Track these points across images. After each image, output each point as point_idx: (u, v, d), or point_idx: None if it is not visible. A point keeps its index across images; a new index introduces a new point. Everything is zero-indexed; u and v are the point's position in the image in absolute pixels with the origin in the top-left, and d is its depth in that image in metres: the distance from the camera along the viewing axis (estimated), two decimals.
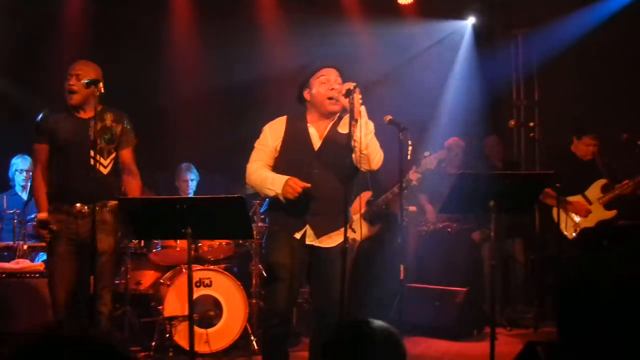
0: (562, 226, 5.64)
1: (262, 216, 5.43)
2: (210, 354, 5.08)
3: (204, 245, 5.53)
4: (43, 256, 5.23)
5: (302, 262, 3.79)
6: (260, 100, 7.11)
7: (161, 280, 5.45)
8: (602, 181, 5.86)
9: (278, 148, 3.82)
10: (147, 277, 5.74)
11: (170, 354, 5.09)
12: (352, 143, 3.57)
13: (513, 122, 6.47)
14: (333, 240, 3.79)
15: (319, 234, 3.77)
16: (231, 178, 6.26)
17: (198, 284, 5.11)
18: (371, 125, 3.70)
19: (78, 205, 4.14)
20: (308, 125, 3.83)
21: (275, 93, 6.97)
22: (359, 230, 5.05)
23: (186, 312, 4.89)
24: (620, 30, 6.91)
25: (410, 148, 4.38)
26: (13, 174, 6.15)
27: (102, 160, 4.15)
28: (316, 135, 3.82)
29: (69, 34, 6.87)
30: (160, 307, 5.13)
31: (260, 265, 5.47)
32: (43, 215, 4.15)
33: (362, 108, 3.63)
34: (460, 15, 7.71)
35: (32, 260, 5.33)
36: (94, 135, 4.00)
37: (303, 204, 3.68)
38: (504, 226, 5.97)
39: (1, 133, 6.36)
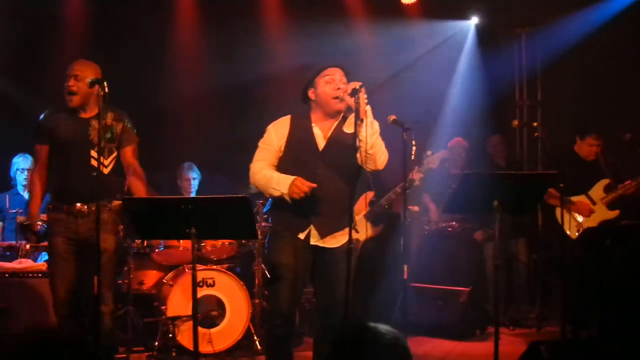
0: (565, 226, 5.63)
1: (265, 216, 5.43)
2: (213, 354, 5.08)
3: (207, 245, 5.52)
4: (45, 256, 5.21)
5: (306, 262, 3.78)
6: (261, 100, 7.11)
7: (164, 280, 5.44)
8: (605, 181, 5.85)
9: (282, 148, 3.81)
10: (150, 277, 5.74)
11: (173, 354, 5.08)
12: (358, 143, 3.56)
13: (516, 122, 6.48)
14: (337, 240, 3.78)
15: (323, 235, 3.76)
16: (232, 178, 6.26)
17: (201, 284, 5.09)
18: (377, 125, 3.68)
19: (78, 204, 4.14)
20: (312, 125, 3.81)
21: (277, 93, 6.98)
22: (362, 230, 5.05)
23: (189, 312, 4.91)
24: (623, 30, 6.91)
25: (414, 148, 4.37)
26: (14, 173, 6.14)
27: (102, 159, 4.14)
28: (320, 135, 3.80)
29: (69, 34, 6.86)
30: (163, 307, 5.12)
31: (263, 265, 5.46)
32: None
33: (368, 107, 3.62)
34: (463, 15, 7.72)
35: (35, 260, 5.32)
36: (99, 133, 3.99)
37: (307, 204, 3.66)
38: (507, 226, 5.97)
39: (1, 133, 6.35)
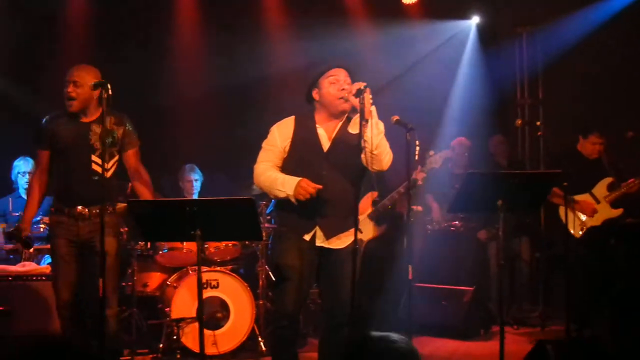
0: (569, 225, 5.63)
1: (269, 217, 5.42)
2: (218, 356, 5.08)
3: (211, 246, 5.51)
4: (49, 259, 5.21)
5: (311, 263, 3.77)
6: (263, 101, 7.10)
7: (168, 282, 5.43)
8: (608, 179, 5.85)
9: (287, 149, 3.80)
10: (154, 279, 5.73)
11: (178, 356, 5.08)
12: (363, 143, 3.55)
13: (520, 122, 6.47)
14: (342, 241, 3.77)
15: (328, 236, 3.75)
16: (232, 178, 6.26)
17: (205, 286, 5.08)
18: (381, 125, 3.68)
19: (79, 207, 4.14)
20: (317, 125, 3.81)
21: (278, 94, 6.97)
22: (366, 230, 5.04)
23: (193, 314, 4.92)
24: (624, 29, 6.91)
25: (417, 148, 4.37)
26: (15, 177, 6.12)
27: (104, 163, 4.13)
28: (325, 136, 3.79)
29: (70, 34, 6.84)
30: (167, 309, 5.12)
31: (267, 267, 5.46)
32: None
33: (373, 108, 3.61)
34: (464, 14, 7.71)
35: (38, 263, 5.31)
36: (100, 137, 3.98)
37: (313, 205, 3.65)
38: (511, 225, 5.96)
39: (1, 133, 6.33)
